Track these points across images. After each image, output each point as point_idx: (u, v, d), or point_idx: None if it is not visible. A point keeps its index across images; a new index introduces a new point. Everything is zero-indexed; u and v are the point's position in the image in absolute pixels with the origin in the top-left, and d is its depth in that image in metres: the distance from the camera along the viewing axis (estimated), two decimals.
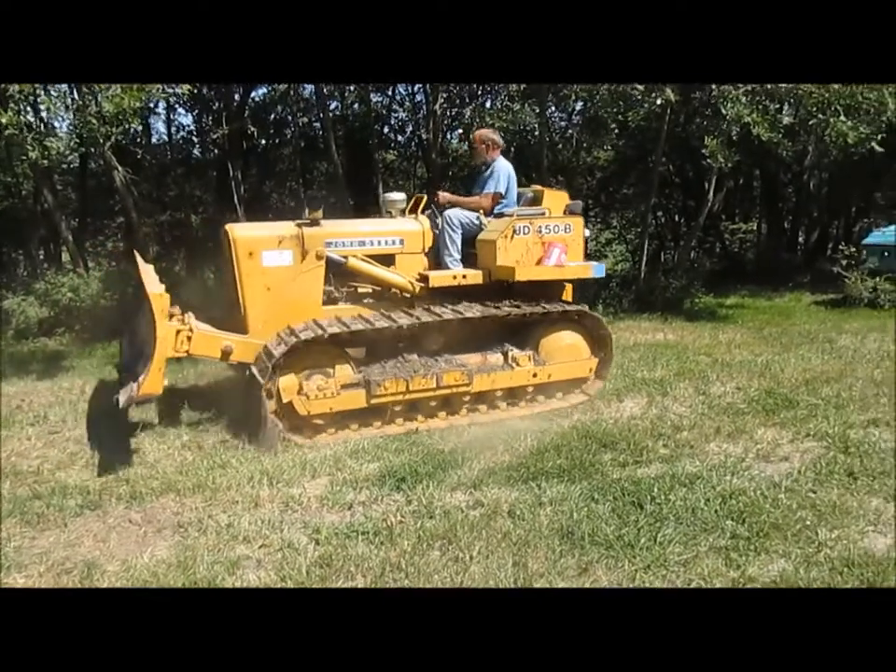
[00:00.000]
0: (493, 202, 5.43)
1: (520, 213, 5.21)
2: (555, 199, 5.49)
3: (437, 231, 5.41)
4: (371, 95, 12.78)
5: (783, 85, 8.17)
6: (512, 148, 10.65)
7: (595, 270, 5.45)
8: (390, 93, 13.00)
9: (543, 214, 5.28)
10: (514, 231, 5.06)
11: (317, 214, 4.97)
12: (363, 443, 4.48)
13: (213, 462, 4.24)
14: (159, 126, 12.71)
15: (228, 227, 4.97)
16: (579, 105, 11.79)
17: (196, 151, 13.26)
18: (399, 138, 13.98)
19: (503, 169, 5.47)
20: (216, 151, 12.51)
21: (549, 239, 5.17)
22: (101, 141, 6.59)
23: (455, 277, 5.14)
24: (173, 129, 12.75)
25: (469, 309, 4.96)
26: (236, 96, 12.38)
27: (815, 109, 8.82)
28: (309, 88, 11.78)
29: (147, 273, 4.63)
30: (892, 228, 11.16)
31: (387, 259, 5.24)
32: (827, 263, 12.80)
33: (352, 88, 12.57)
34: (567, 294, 5.62)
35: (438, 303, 5.06)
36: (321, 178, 13.42)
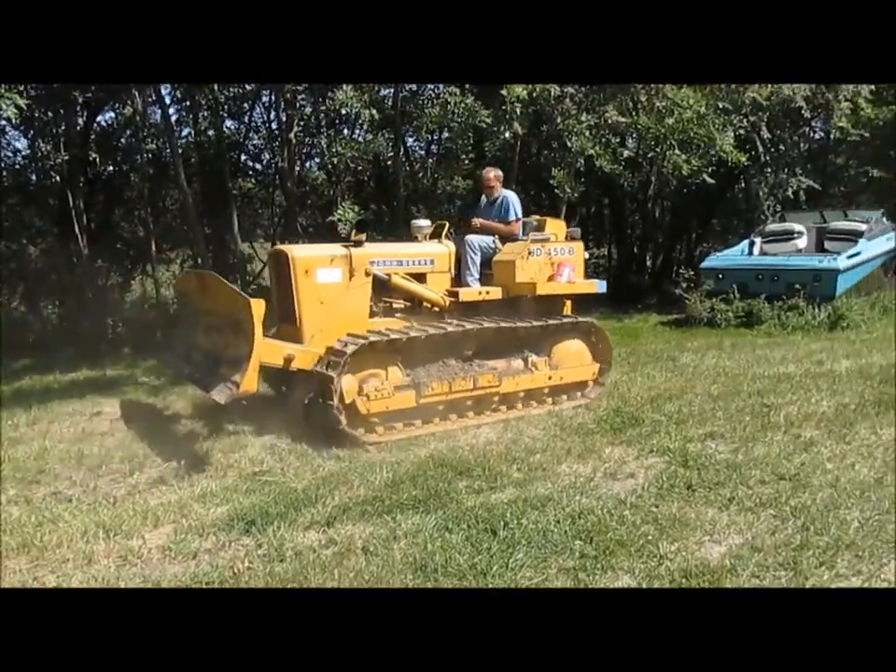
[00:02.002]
0: (516, 227, 6.23)
1: (533, 238, 5.98)
2: (556, 226, 6.39)
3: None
4: (227, 122, 12.50)
5: (623, 120, 8.68)
6: (366, 178, 10.77)
7: (599, 286, 6.31)
8: (246, 120, 12.74)
9: (549, 239, 6.04)
10: (530, 253, 5.79)
11: (361, 237, 5.58)
12: (211, 486, 4.27)
13: (42, 517, 3.89)
14: None
15: (284, 248, 5.55)
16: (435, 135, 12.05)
17: (34, 178, 12.39)
18: (258, 166, 13.71)
19: (514, 198, 6.30)
20: (57, 178, 11.75)
21: (558, 260, 5.94)
22: None
23: (480, 293, 5.83)
24: (7, 154, 11.89)
25: (504, 320, 5.63)
26: (80, 120, 11.72)
27: (653, 143, 9.45)
28: (158, 112, 11.32)
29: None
30: (726, 252, 12.07)
31: (419, 278, 5.88)
32: (671, 286, 13.65)
33: (206, 113, 12.21)
34: (568, 308, 6.36)
35: (464, 317, 5.68)
36: (174, 207, 12.88)
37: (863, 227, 11.92)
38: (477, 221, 6.23)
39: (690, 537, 3.40)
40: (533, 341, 5.85)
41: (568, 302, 6.35)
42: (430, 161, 12.76)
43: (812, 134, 17.20)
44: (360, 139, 9.56)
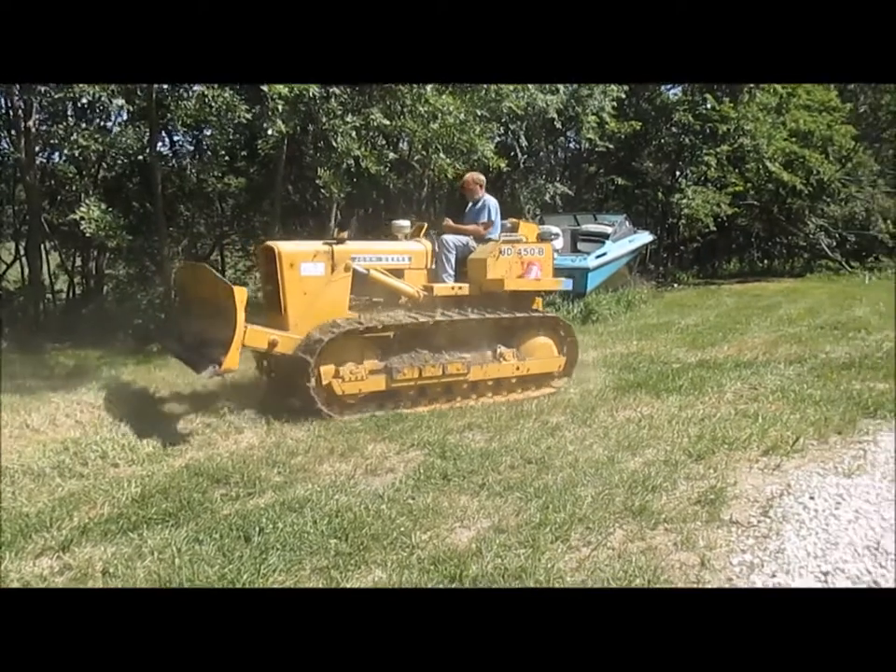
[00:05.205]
0: (486, 229, 6.60)
1: (504, 238, 6.47)
2: (528, 229, 6.95)
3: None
4: None
5: (388, 123, 8.84)
6: (112, 174, 10.00)
7: (565, 283, 6.96)
8: None
9: (521, 240, 6.51)
10: (500, 252, 6.26)
11: (343, 234, 6.05)
12: None
13: None
14: None
15: (271, 244, 5.87)
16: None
17: None
18: None
19: (493, 203, 6.72)
20: None
21: (527, 259, 6.40)
22: None
23: (453, 288, 6.28)
24: None
25: (475, 313, 6.12)
26: None
27: (420, 147, 9.72)
28: None
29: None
30: None
31: (397, 273, 6.24)
32: None
33: None
34: (539, 305, 6.91)
35: (439, 311, 6.01)
36: None
37: (610, 230, 13.23)
38: (447, 223, 6.71)
39: (442, 525, 3.54)
40: (502, 334, 6.31)
41: (539, 300, 6.91)
42: (199, 156, 12.11)
43: (567, 144, 18.75)
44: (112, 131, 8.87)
